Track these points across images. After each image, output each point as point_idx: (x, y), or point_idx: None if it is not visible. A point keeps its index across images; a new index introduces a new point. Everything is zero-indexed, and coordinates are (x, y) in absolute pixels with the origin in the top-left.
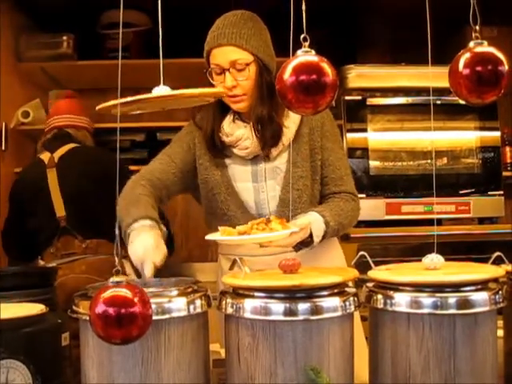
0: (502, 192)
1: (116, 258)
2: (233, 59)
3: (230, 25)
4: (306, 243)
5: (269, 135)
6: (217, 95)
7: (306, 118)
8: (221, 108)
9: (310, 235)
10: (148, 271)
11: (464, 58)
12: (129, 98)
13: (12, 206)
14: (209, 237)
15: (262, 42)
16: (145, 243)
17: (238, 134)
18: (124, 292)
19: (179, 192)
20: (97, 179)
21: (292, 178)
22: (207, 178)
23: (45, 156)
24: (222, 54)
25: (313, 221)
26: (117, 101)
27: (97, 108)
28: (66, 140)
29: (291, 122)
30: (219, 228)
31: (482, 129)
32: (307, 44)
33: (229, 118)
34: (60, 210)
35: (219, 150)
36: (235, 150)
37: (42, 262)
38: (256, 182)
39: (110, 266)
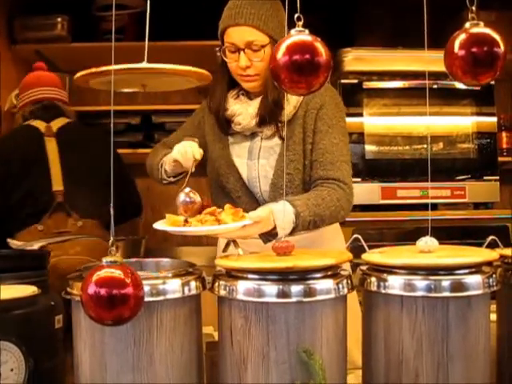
0: (497, 177)
1: (111, 238)
2: (249, 40)
3: (248, 4)
4: (272, 234)
5: (269, 115)
6: (200, 77)
7: (304, 101)
8: (231, 84)
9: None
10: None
11: (459, 38)
12: (104, 68)
13: None
14: (156, 225)
15: (278, 23)
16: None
17: (234, 108)
18: (116, 273)
19: None
20: (97, 158)
21: (283, 161)
22: (212, 151)
23: (38, 124)
24: (239, 34)
25: (279, 212)
26: (94, 69)
27: (74, 77)
28: (59, 112)
29: (287, 103)
30: (166, 215)
31: (478, 114)
32: (301, 23)
33: (231, 93)
34: (58, 184)
35: (225, 125)
36: (233, 125)
37: (16, 242)
38: (250, 160)
39: (106, 249)
